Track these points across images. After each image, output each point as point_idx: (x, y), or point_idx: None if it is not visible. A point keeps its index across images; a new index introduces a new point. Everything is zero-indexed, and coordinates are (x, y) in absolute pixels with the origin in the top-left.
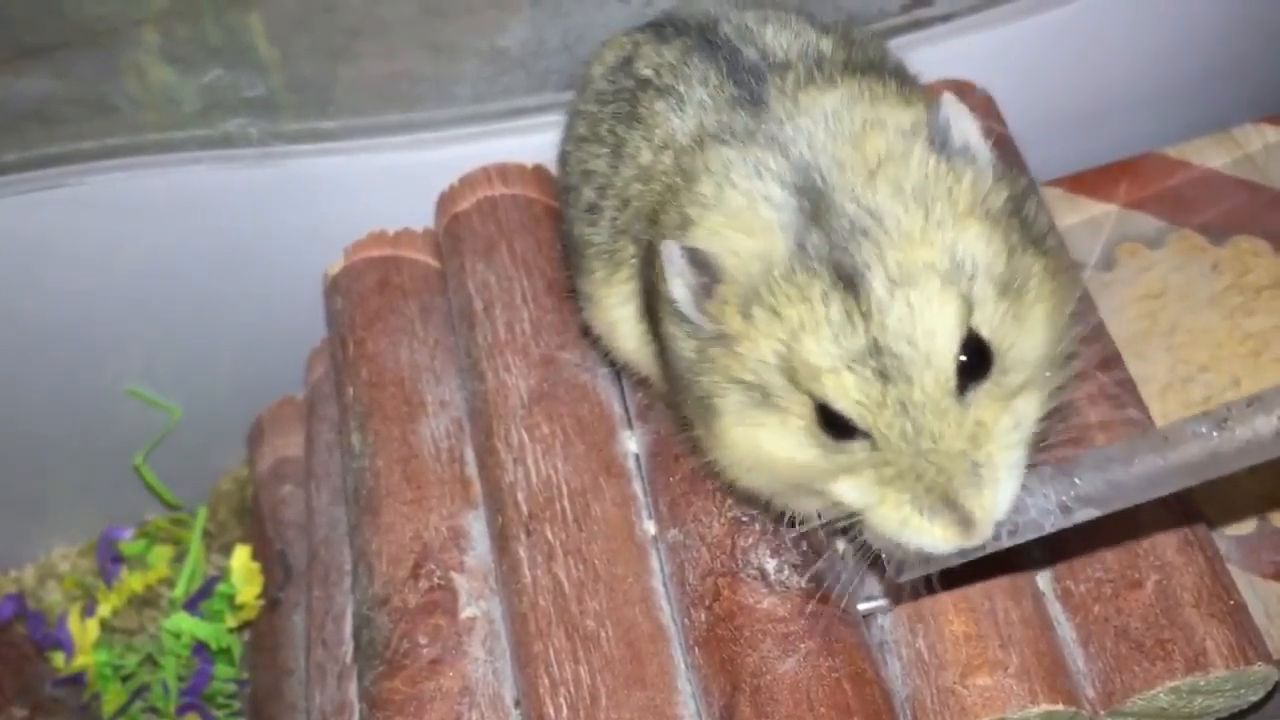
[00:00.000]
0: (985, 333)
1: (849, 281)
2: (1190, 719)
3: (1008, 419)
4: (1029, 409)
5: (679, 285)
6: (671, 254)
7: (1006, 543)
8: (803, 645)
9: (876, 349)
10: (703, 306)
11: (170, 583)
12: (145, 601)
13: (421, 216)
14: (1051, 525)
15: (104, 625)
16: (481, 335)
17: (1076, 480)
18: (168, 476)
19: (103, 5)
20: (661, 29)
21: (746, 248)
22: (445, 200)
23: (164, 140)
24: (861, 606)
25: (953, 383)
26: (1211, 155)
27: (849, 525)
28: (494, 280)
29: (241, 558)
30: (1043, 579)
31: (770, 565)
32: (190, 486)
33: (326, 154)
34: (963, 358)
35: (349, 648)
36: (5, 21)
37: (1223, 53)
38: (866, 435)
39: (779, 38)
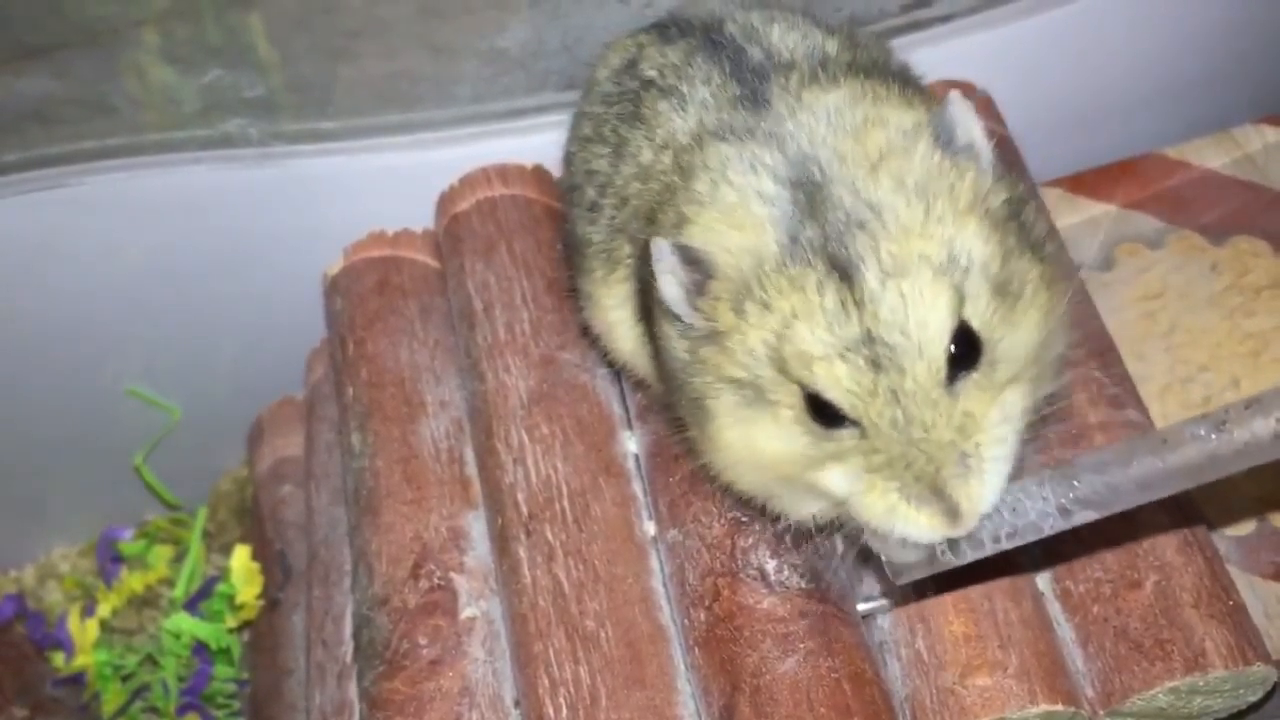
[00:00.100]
0: (976, 324)
1: (843, 272)
2: (1189, 719)
3: (996, 411)
4: (1017, 402)
5: (670, 283)
6: (662, 251)
7: (1006, 545)
8: (802, 645)
9: (869, 338)
10: (695, 304)
11: (170, 583)
12: (145, 601)
13: (421, 217)
14: (1050, 528)
15: (104, 625)
16: (481, 336)
17: (1075, 483)
18: (168, 476)
19: (103, 5)
20: (665, 30)
21: (739, 243)
22: (445, 200)
23: (164, 140)
24: (861, 607)
25: (944, 373)
26: (1211, 155)
27: (847, 526)
28: (494, 281)
29: (241, 558)
30: (1042, 579)
31: (770, 566)
32: (190, 486)
33: (326, 154)
34: (952, 348)
35: (349, 648)
36: (5, 21)
37: (1223, 53)
38: (855, 424)
39: (785, 38)
